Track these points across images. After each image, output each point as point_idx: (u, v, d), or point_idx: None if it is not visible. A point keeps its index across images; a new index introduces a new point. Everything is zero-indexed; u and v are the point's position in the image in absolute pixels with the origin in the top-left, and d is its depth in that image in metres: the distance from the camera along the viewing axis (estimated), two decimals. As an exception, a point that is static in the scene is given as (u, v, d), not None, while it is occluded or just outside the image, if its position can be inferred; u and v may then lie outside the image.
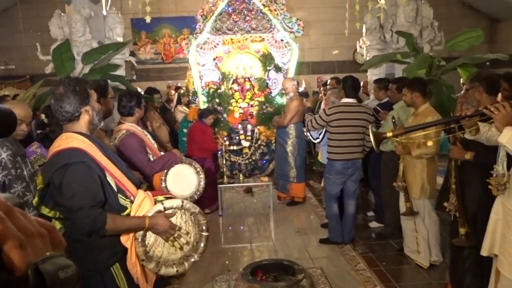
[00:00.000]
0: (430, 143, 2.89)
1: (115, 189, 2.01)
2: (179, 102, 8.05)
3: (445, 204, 3.04)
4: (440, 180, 3.73)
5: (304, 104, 5.71)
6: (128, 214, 2.04)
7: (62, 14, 5.82)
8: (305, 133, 7.79)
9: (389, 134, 2.63)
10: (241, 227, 5.45)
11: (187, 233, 2.13)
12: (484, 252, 2.64)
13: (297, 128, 5.99)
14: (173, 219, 2.10)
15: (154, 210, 2.04)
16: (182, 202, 2.11)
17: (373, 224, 5.13)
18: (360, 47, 6.45)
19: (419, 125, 3.00)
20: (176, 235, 2.08)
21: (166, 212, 2.07)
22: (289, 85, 6.14)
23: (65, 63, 5.28)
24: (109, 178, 1.99)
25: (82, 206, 1.86)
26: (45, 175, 1.95)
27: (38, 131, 3.53)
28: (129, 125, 3.35)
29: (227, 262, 4.38)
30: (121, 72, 5.78)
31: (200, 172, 3.40)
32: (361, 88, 7.45)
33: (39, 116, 4.67)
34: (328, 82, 6.92)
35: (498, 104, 2.25)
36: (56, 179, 1.90)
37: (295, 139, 6.00)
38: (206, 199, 5.62)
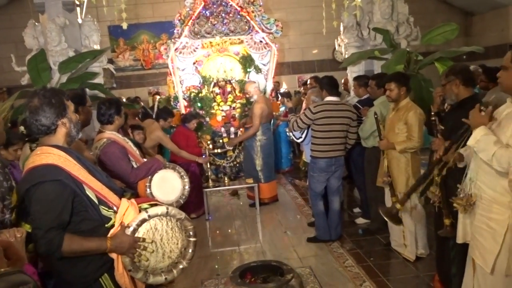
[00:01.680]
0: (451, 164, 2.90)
1: (96, 201, 1.97)
2: (158, 108, 7.98)
3: (429, 195, 3.07)
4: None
5: (286, 105, 5.75)
6: (113, 225, 2.00)
7: (36, 23, 5.72)
8: (287, 133, 7.86)
9: (398, 206, 2.96)
10: (229, 230, 5.44)
11: (176, 241, 2.10)
12: (459, 239, 2.72)
13: (263, 128, 6.05)
14: (158, 226, 2.07)
15: (138, 219, 2.00)
16: (167, 208, 2.07)
17: (360, 220, 5.17)
18: (339, 45, 6.51)
19: (414, 185, 3.13)
20: (142, 247, 1.99)
21: (135, 222, 2.00)
22: (251, 88, 6.21)
23: (41, 74, 5.18)
24: (88, 192, 1.95)
25: (40, 227, 1.81)
26: (19, 192, 1.91)
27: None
28: (110, 133, 3.30)
29: (216, 266, 4.36)
30: (99, 80, 5.70)
31: (184, 176, 3.38)
32: (342, 85, 7.56)
33: (17, 129, 4.59)
34: (308, 82, 6.97)
35: (471, 110, 2.43)
36: (27, 197, 1.86)
37: (262, 140, 6.06)
38: (192, 204, 5.60)
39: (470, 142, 2.37)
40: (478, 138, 2.32)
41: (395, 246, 4.22)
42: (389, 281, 3.68)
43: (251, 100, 6.37)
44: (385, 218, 3.17)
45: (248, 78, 7.55)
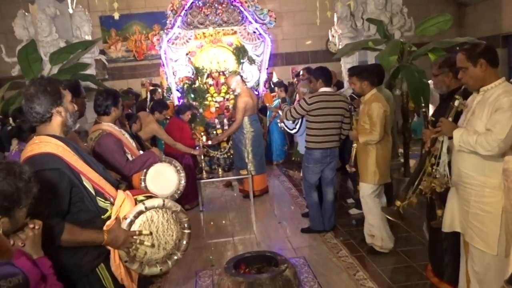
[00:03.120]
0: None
1: (93, 192, 1.97)
2: (152, 99, 7.93)
3: (421, 187, 3.10)
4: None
5: (279, 95, 5.70)
6: (109, 217, 2.00)
7: (26, 14, 5.61)
8: (279, 124, 7.85)
9: (398, 204, 3.03)
10: (223, 222, 5.45)
11: (171, 233, 2.11)
12: (445, 228, 2.81)
13: (250, 121, 6.04)
14: (154, 218, 2.07)
15: (135, 211, 2.01)
16: (163, 201, 2.09)
17: (353, 211, 5.20)
18: (332, 36, 6.48)
19: (410, 179, 3.13)
20: (138, 241, 2.02)
21: (132, 214, 2.01)
22: (233, 82, 6.19)
23: (32, 65, 5.10)
24: (85, 182, 1.95)
25: (41, 215, 1.79)
26: None
27: (9, 127, 3.39)
28: (106, 125, 3.28)
29: (210, 257, 4.38)
30: (91, 71, 5.63)
31: (181, 171, 3.37)
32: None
33: (8, 121, 4.54)
34: (300, 73, 6.95)
35: (438, 123, 2.66)
36: None
37: (250, 133, 6.07)
38: (186, 195, 5.58)
39: (455, 142, 2.53)
40: (459, 137, 2.49)
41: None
42: (383, 271, 3.72)
43: (235, 93, 6.35)
44: (390, 218, 3.22)
45: (242, 69, 7.52)
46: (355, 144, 4.12)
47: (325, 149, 4.46)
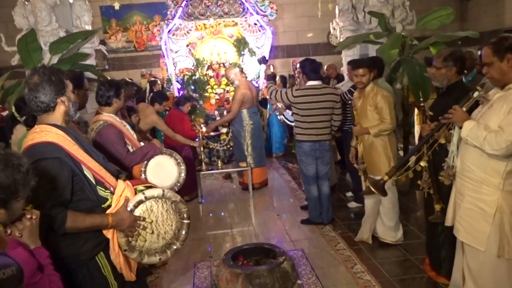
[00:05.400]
0: (442, 141, 2.96)
1: (93, 181, 1.97)
2: (151, 91, 7.92)
3: (419, 182, 3.11)
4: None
5: (266, 72, 5.54)
6: (110, 206, 2.01)
7: (26, 2, 5.58)
8: (278, 116, 7.85)
9: (386, 178, 3.04)
10: (222, 213, 5.46)
11: (170, 223, 2.12)
12: (448, 222, 2.80)
13: (249, 113, 6.03)
14: (154, 208, 2.08)
15: (135, 200, 2.02)
16: (163, 191, 2.10)
17: (352, 204, 5.22)
18: (334, 28, 6.45)
19: (404, 158, 3.21)
20: (141, 227, 2.04)
21: (132, 203, 2.02)
22: (231, 73, 6.18)
23: (31, 54, 5.09)
24: (86, 172, 1.95)
25: (43, 205, 1.80)
26: None
27: (23, 118, 3.38)
28: (107, 116, 3.28)
29: (208, 249, 4.39)
30: (91, 61, 5.61)
31: (181, 163, 3.38)
32: (324, 72, 7.53)
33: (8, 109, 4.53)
34: (298, 66, 6.92)
35: (450, 110, 2.57)
36: None
37: (250, 125, 6.06)
38: (185, 187, 5.57)
39: (463, 133, 2.49)
40: (468, 130, 2.45)
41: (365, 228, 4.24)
42: (380, 264, 3.74)
43: (234, 85, 6.34)
44: (372, 189, 3.21)
45: (243, 61, 7.49)
46: (357, 141, 4.06)
47: (313, 141, 4.48)
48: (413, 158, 3.20)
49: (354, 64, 3.96)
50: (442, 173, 2.77)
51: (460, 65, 3.09)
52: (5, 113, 5.68)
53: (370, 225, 4.15)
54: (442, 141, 2.81)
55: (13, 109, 3.93)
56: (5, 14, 7.35)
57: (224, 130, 7.32)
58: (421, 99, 3.28)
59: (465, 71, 4.16)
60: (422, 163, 3.03)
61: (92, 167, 1.97)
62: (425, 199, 3.30)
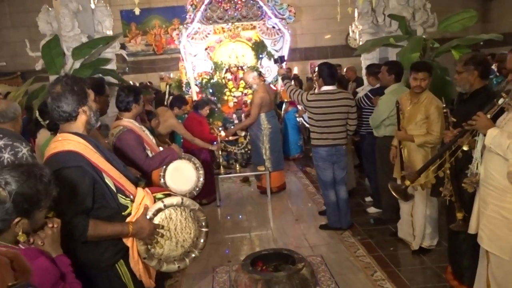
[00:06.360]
0: (465, 147, 2.90)
1: (114, 189, 1.99)
2: (170, 94, 7.99)
3: (441, 189, 3.05)
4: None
5: (279, 72, 5.42)
6: (129, 213, 2.02)
7: (50, 9, 5.71)
8: (297, 118, 7.83)
9: (408, 183, 3.03)
10: (240, 217, 5.47)
11: (189, 231, 2.13)
12: (471, 230, 2.74)
13: (267, 117, 6.02)
14: (173, 216, 2.09)
15: (154, 209, 2.03)
16: (182, 199, 2.11)
17: (371, 210, 5.16)
18: (353, 31, 6.40)
19: (426, 163, 3.16)
20: (160, 235, 2.05)
21: (151, 212, 2.03)
22: (249, 78, 6.19)
23: (55, 59, 5.20)
24: (107, 180, 1.97)
25: (66, 213, 1.83)
26: None
27: (46, 122, 3.46)
28: (127, 121, 3.32)
29: (226, 252, 4.40)
30: (112, 66, 5.71)
31: (200, 168, 3.39)
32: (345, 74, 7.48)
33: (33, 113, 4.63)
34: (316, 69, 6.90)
35: (474, 116, 2.52)
36: None
37: (268, 129, 6.05)
38: (204, 190, 5.60)
39: (486, 141, 2.45)
40: (492, 138, 2.41)
41: (402, 235, 4.20)
42: (401, 272, 3.68)
43: (252, 89, 6.35)
44: (394, 193, 3.18)
45: (261, 64, 7.50)
46: (401, 146, 3.94)
47: (329, 146, 4.45)
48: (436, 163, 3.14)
49: (415, 67, 3.82)
50: (466, 181, 2.71)
51: (482, 69, 3.01)
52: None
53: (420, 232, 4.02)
54: (465, 147, 2.76)
55: (37, 114, 4.03)
56: (29, 19, 7.53)
57: (242, 133, 7.32)
58: (444, 105, 3.20)
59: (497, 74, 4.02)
60: (444, 170, 2.97)
61: (112, 175, 1.99)
62: (447, 207, 3.24)
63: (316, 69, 5.17)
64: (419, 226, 3.95)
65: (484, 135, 2.49)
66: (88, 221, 1.89)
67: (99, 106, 2.45)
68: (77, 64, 5.30)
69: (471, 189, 2.69)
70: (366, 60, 6.02)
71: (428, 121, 3.72)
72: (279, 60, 5.03)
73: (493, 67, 7.29)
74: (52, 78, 5.06)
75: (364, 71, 5.92)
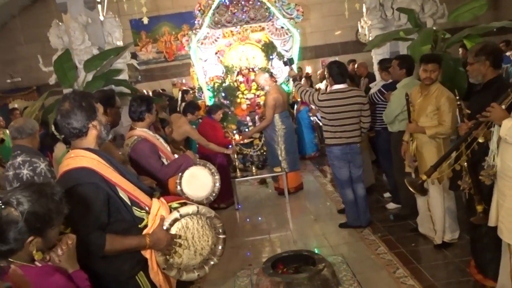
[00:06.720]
0: (481, 140, 2.85)
1: (129, 202, 2.00)
2: (183, 100, 8.05)
3: (459, 182, 3.01)
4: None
5: (289, 74, 5.38)
6: (146, 225, 2.04)
7: (60, 23, 5.80)
8: (311, 117, 7.80)
9: (424, 178, 2.99)
10: (259, 219, 5.47)
11: (206, 238, 2.14)
12: (491, 223, 2.70)
13: (281, 118, 6.01)
14: (190, 225, 2.10)
15: (170, 219, 2.04)
16: (198, 207, 2.11)
17: (390, 206, 5.10)
18: (362, 27, 6.35)
19: (442, 157, 3.10)
20: (177, 244, 2.06)
21: (167, 222, 2.04)
22: (261, 79, 6.21)
23: (67, 73, 5.29)
24: (121, 193, 1.98)
25: (82, 229, 1.85)
26: None
27: (62, 136, 3.54)
28: (141, 131, 3.35)
29: (247, 254, 4.40)
30: (124, 76, 5.77)
31: (215, 173, 3.40)
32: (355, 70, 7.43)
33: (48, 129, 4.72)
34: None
35: (488, 107, 2.50)
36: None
37: (282, 130, 6.04)
38: (221, 194, 5.62)
39: (502, 132, 2.42)
40: (508, 127, 2.38)
41: (423, 230, 4.15)
42: (423, 268, 3.63)
43: (264, 91, 6.35)
44: (410, 188, 3.14)
45: (271, 65, 7.50)
46: (410, 138, 3.92)
47: (343, 144, 4.42)
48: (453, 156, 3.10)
49: (425, 59, 3.80)
50: (483, 173, 2.67)
51: (493, 58, 2.96)
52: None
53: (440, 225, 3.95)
54: (481, 140, 2.72)
55: (53, 128, 4.11)
56: (41, 34, 7.65)
57: (257, 135, 7.33)
58: (457, 97, 3.15)
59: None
60: (462, 163, 2.93)
61: (126, 188, 2.01)
62: (467, 200, 3.19)
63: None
64: (438, 219, 3.90)
65: (500, 126, 2.45)
66: (104, 236, 1.90)
67: (110, 119, 2.48)
68: (90, 77, 5.37)
69: (488, 182, 2.65)
70: (377, 55, 5.96)
71: (439, 112, 3.68)
72: (289, 62, 5.01)
73: (508, 54, 7.15)
74: (66, 92, 5.14)
75: (375, 67, 5.87)
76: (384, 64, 5.03)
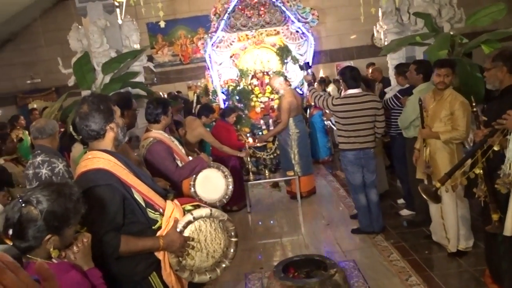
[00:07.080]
0: (496, 147, 2.82)
1: (143, 204, 2.03)
2: (198, 102, 8.11)
3: (474, 190, 2.97)
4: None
5: (305, 78, 5.37)
6: (160, 227, 2.07)
7: (80, 27, 5.92)
8: (325, 121, 7.78)
9: (438, 185, 2.99)
10: (271, 222, 5.48)
11: (219, 241, 2.16)
12: (507, 232, 2.66)
13: (295, 122, 6.02)
14: (202, 228, 2.13)
15: (184, 221, 2.07)
16: (211, 210, 2.14)
17: (404, 212, 5.05)
18: (378, 31, 6.32)
19: (456, 164, 3.10)
20: (190, 246, 2.08)
21: (181, 224, 2.07)
22: (276, 83, 6.25)
23: (86, 75, 5.40)
24: (136, 195, 2.01)
25: (98, 230, 1.88)
26: None
27: (80, 136, 3.61)
28: (156, 133, 3.40)
29: (259, 257, 4.41)
30: (140, 78, 5.86)
31: (228, 176, 3.43)
32: (370, 75, 7.40)
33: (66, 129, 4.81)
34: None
35: (505, 115, 2.52)
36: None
37: (296, 134, 6.06)
38: (234, 197, 5.65)
39: None
40: None
41: (436, 238, 4.11)
42: (436, 276, 3.59)
43: (279, 94, 6.39)
44: (424, 196, 3.12)
45: (286, 69, 7.51)
46: (423, 144, 3.89)
47: (357, 149, 4.40)
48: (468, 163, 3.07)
49: (438, 63, 3.78)
50: (499, 181, 2.65)
51: (511, 64, 2.90)
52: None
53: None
54: (496, 147, 2.69)
55: (71, 128, 4.19)
56: (61, 36, 7.81)
57: (271, 138, 7.34)
58: (473, 104, 3.12)
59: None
60: (477, 171, 2.90)
61: (141, 190, 2.04)
62: (482, 208, 3.15)
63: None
64: (452, 227, 3.86)
65: None
66: (119, 237, 1.94)
67: (126, 121, 2.52)
68: (107, 79, 5.47)
69: (504, 190, 2.62)
70: (392, 59, 5.93)
71: (453, 117, 3.65)
72: (305, 67, 5.02)
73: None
74: (84, 93, 5.25)
75: (390, 71, 5.83)
76: (401, 69, 5.00)
